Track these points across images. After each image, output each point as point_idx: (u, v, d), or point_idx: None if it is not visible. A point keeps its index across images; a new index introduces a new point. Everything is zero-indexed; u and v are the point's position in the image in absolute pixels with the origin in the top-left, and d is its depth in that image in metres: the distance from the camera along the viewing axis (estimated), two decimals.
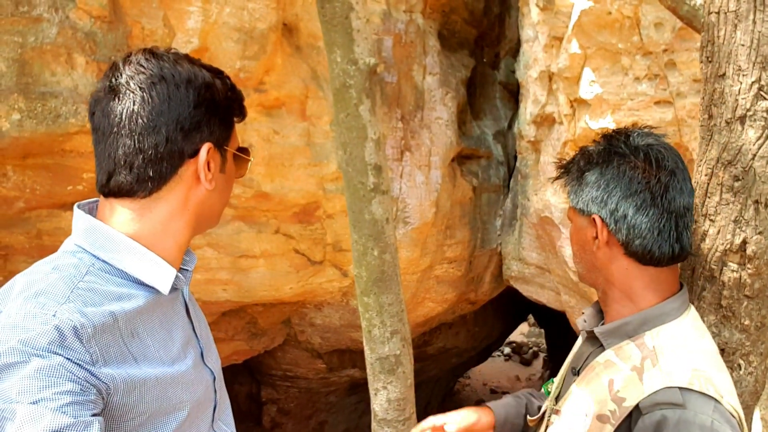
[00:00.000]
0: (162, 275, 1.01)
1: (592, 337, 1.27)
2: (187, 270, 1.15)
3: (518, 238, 5.45)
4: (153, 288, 1.01)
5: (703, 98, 1.33)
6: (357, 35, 2.10)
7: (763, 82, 1.21)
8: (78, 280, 0.92)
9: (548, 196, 4.53)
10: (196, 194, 1.04)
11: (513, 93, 5.82)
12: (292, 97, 4.07)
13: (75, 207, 1.03)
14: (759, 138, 1.23)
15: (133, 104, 0.95)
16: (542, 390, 1.54)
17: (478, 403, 12.46)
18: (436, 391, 9.92)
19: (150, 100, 0.95)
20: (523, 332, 16.27)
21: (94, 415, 0.82)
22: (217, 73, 1.05)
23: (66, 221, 3.75)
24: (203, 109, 1.00)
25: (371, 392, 2.43)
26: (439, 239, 5.10)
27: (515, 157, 5.51)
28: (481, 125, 5.64)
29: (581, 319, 1.33)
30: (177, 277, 1.05)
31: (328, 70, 2.24)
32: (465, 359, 9.11)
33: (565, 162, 1.29)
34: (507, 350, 15.75)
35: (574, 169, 1.25)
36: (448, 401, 11.36)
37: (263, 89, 3.95)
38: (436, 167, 4.79)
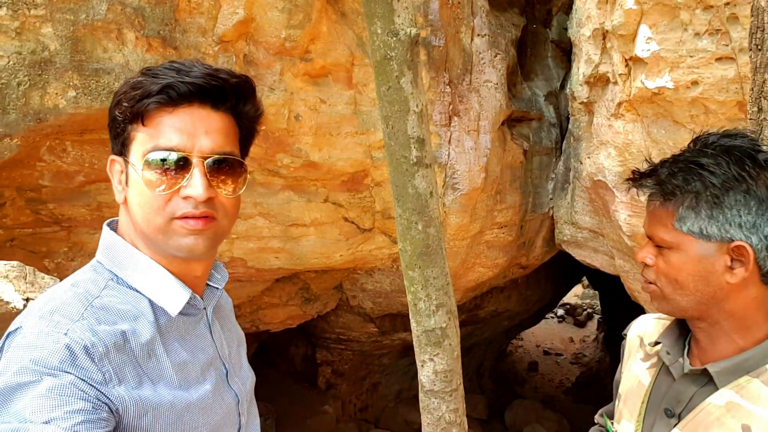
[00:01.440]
0: (173, 297, 0.98)
1: (693, 374, 1.13)
2: (216, 288, 1.12)
3: (571, 202, 5.33)
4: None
5: (752, 90, 1.23)
6: (397, 5, 2.05)
7: None
8: (93, 297, 0.91)
9: (601, 159, 4.39)
10: (124, 209, 0.99)
11: (565, 52, 5.62)
12: (338, 65, 4.04)
13: (104, 224, 1.03)
14: None
15: None
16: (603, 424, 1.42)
17: (532, 364, 12.48)
18: (489, 353, 9.97)
19: None
20: (577, 294, 16.09)
21: None
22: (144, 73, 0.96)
23: (111, 195, 3.88)
24: (108, 121, 0.97)
25: (418, 364, 2.46)
26: (489, 204, 5.04)
27: (568, 119, 5.35)
28: (532, 86, 5.48)
29: (663, 352, 1.19)
30: (195, 298, 1.02)
31: None
32: (517, 322, 9.09)
33: (657, 177, 1.09)
34: (560, 312, 15.63)
35: (691, 188, 1.05)
36: (501, 363, 11.42)
37: (309, 58, 3.93)
38: (486, 132, 4.70)
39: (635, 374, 1.28)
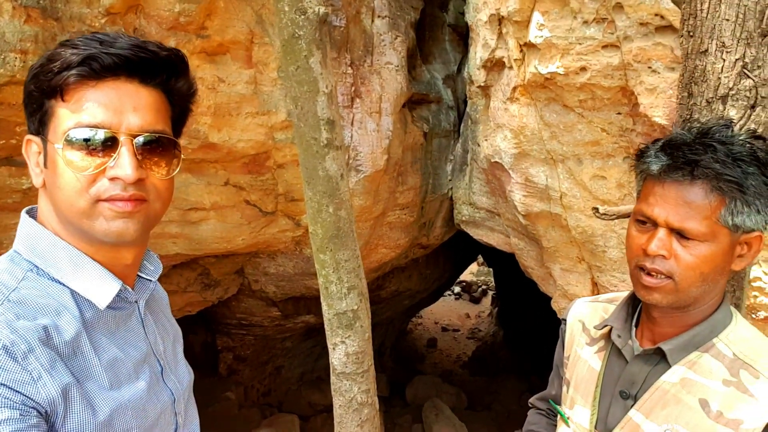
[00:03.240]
0: (100, 289, 0.91)
1: (646, 354, 1.14)
2: (149, 280, 1.05)
3: (469, 183, 5.51)
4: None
5: (683, 75, 1.26)
6: None
7: (747, 60, 1.14)
8: (10, 290, 0.83)
9: (498, 142, 4.56)
10: (43, 193, 0.91)
11: (462, 36, 5.75)
12: (237, 43, 3.91)
13: (23, 212, 0.93)
14: (741, 118, 1.17)
15: None
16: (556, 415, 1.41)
17: (431, 341, 12.87)
18: (390, 332, 10.17)
19: None
20: (472, 271, 16.72)
21: None
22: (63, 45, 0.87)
23: (2, 177, 3.56)
24: (23, 97, 0.89)
25: (329, 347, 2.46)
26: (391, 186, 5.10)
27: (465, 102, 5.50)
28: (430, 69, 5.58)
29: (614, 335, 1.20)
30: (126, 290, 0.96)
31: (274, 15, 2.13)
32: (417, 300, 9.32)
33: (709, 167, 1.01)
34: (457, 289, 16.19)
35: (749, 182, 1.00)
36: (401, 341, 11.68)
37: (205, 35, 3.77)
38: (388, 114, 4.74)
39: (584, 359, 1.29)
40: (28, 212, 0.93)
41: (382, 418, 4.74)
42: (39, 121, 0.87)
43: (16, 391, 0.75)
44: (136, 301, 1.01)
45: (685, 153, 1.02)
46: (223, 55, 3.91)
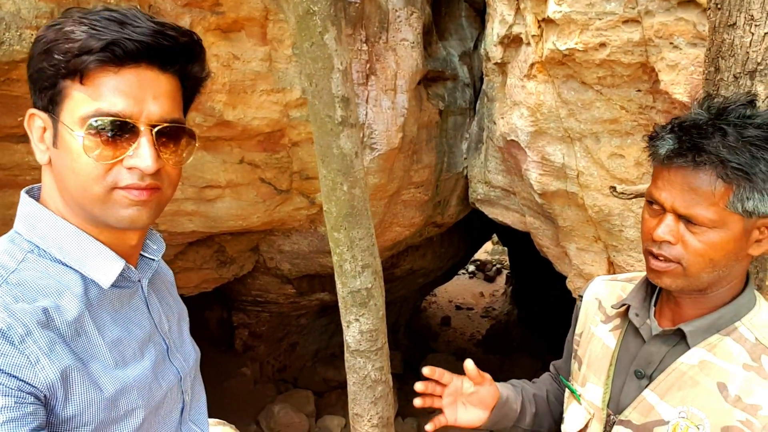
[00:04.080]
0: (104, 268, 0.89)
1: (665, 334, 1.12)
2: (152, 259, 1.04)
3: (484, 162, 5.46)
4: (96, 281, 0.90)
5: (709, 49, 1.22)
6: None
7: None
8: (9, 271, 0.82)
9: (514, 120, 4.51)
10: (48, 170, 0.89)
11: (479, 12, 5.66)
12: (252, 20, 3.88)
13: (22, 192, 0.92)
14: None
15: None
16: (564, 389, 1.39)
17: (444, 319, 12.92)
18: (404, 310, 10.21)
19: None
20: (486, 250, 16.70)
21: (34, 429, 0.74)
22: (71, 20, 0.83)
23: (19, 154, 3.60)
24: (30, 70, 0.85)
25: (343, 324, 2.47)
26: (405, 164, 5.08)
27: (481, 79, 5.43)
28: (446, 46, 5.51)
29: (632, 314, 1.18)
30: (129, 269, 0.95)
31: None
32: (431, 279, 9.33)
33: (715, 153, 0.96)
34: (471, 268, 16.19)
35: (759, 168, 0.95)
36: (415, 319, 11.74)
37: (220, 11, 3.74)
38: (403, 91, 4.70)
39: (599, 337, 1.27)
40: (28, 192, 0.92)
41: (396, 395, 4.79)
42: (49, 100, 0.84)
43: (13, 376, 0.74)
44: (139, 281, 1.00)
45: (692, 137, 0.98)
46: (237, 32, 3.89)
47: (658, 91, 3.37)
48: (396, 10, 4.67)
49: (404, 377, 9.18)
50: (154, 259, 1.04)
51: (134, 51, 0.82)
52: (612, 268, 4.31)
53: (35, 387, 0.76)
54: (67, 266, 0.88)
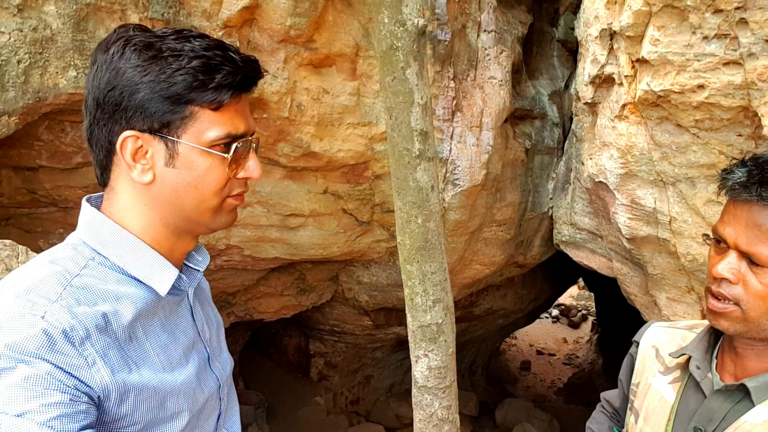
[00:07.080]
0: (162, 276, 0.95)
1: (728, 390, 1.05)
2: (197, 270, 1.09)
3: (570, 203, 5.31)
4: (153, 288, 0.95)
5: None
6: None
7: None
8: (73, 275, 0.86)
9: (603, 161, 4.37)
10: (147, 188, 0.93)
11: (571, 52, 5.58)
12: (343, 56, 4.01)
13: (83, 200, 0.98)
14: None
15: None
16: None
17: (524, 363, 12.50)
18: (482, 350, 9.97)
19: (91, 79, 0.91)
20: (572, 295, 16.10)
21: (84, 427, 0.77)
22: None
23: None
24: (118, 93, 0.87)
25: (412, 359, 2.44)
26: (488, 201, 5.02)
27: (571, 119, 5.32)
28: (536, 85, 5.45)
29: (692, 366, 1.10)
30: (180, 278, 1.00)
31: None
32: (512, 320, 9.08)
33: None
34: (555, 312, 15.65)
35: None
36: (494, 361, 11.43)
37: (313, 47, 3.90)
38: (488, 128, 4.68)
39: (656, 389, 1.19)
40: (88, 200, 0.99)
41: None
42: (163, 123, 0.89)
43: (72, 375, 0.78)
44: (186, 289, 1.05)
45: (763, 171, 0.92)
46: (329, 67, 4.03)
47: (761, 136, 3.18)
48: (485, 49, 4.68)
49: (479, 420, 8.92)
50: (199, 270, 1.09)
51: (252, 82, 0.95)
52: None
53: (90, 387, 0.81)
54: (126, 274, 0.93)
